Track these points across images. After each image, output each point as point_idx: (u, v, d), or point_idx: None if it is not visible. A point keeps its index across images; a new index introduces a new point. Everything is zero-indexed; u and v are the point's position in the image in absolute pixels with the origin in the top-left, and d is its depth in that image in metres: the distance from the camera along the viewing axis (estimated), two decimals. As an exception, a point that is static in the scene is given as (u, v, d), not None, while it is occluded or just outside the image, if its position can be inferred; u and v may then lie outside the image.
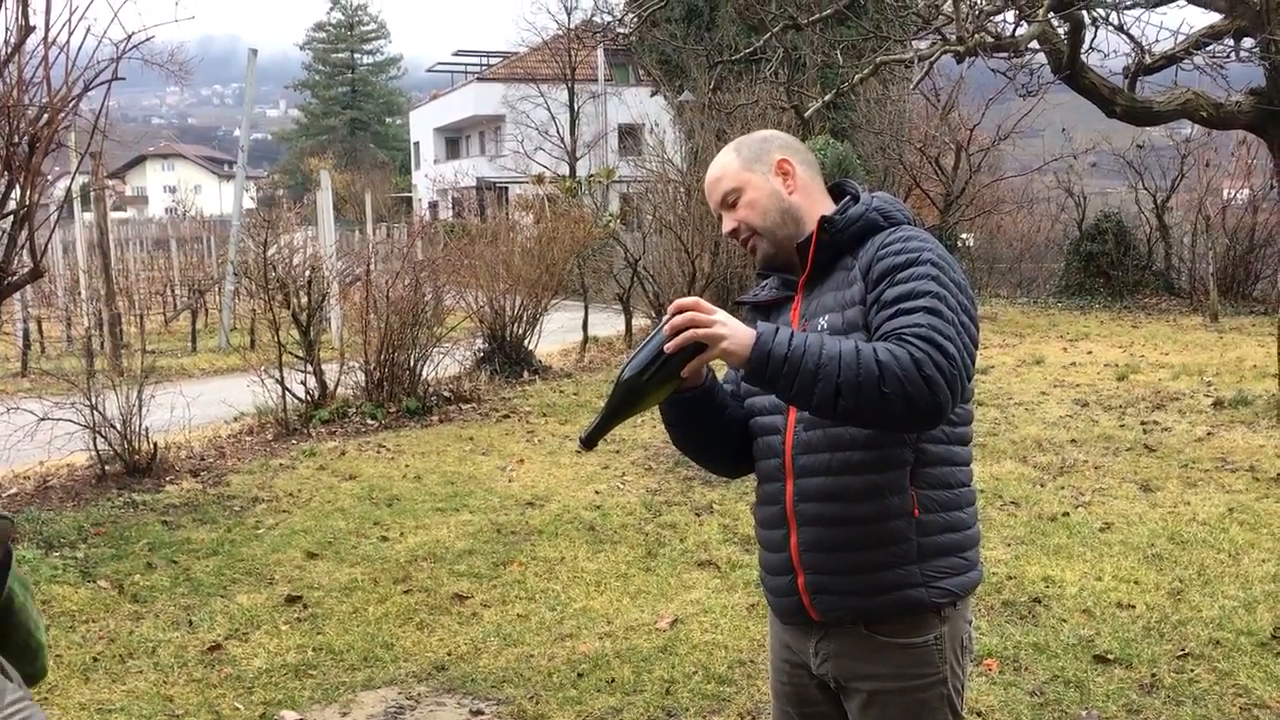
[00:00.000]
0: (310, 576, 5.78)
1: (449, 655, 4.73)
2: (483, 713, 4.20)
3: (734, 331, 1.92)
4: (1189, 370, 11.10)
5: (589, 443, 2.06)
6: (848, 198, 2.24)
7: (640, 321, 15.91)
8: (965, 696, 2.23)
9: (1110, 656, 4.40)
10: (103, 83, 6.90)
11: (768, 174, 2.22)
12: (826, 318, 2.12)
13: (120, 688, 4.47)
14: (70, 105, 6.74)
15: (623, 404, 2.00)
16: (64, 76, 6.66)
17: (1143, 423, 8.74)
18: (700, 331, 1.91)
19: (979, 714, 3.96)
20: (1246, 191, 17.81)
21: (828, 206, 2.23)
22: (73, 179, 9.60)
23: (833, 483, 2.10)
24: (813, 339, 1.93)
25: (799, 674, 2.28)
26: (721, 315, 1.93)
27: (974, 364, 2.03)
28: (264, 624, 5.13)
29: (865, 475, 2.08)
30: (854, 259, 2.13)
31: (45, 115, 6.51)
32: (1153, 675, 4.23)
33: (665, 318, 1.93)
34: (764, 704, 4.03)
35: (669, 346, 1.90)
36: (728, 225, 2.25)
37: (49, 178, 7.73)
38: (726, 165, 2.25)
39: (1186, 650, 4.44)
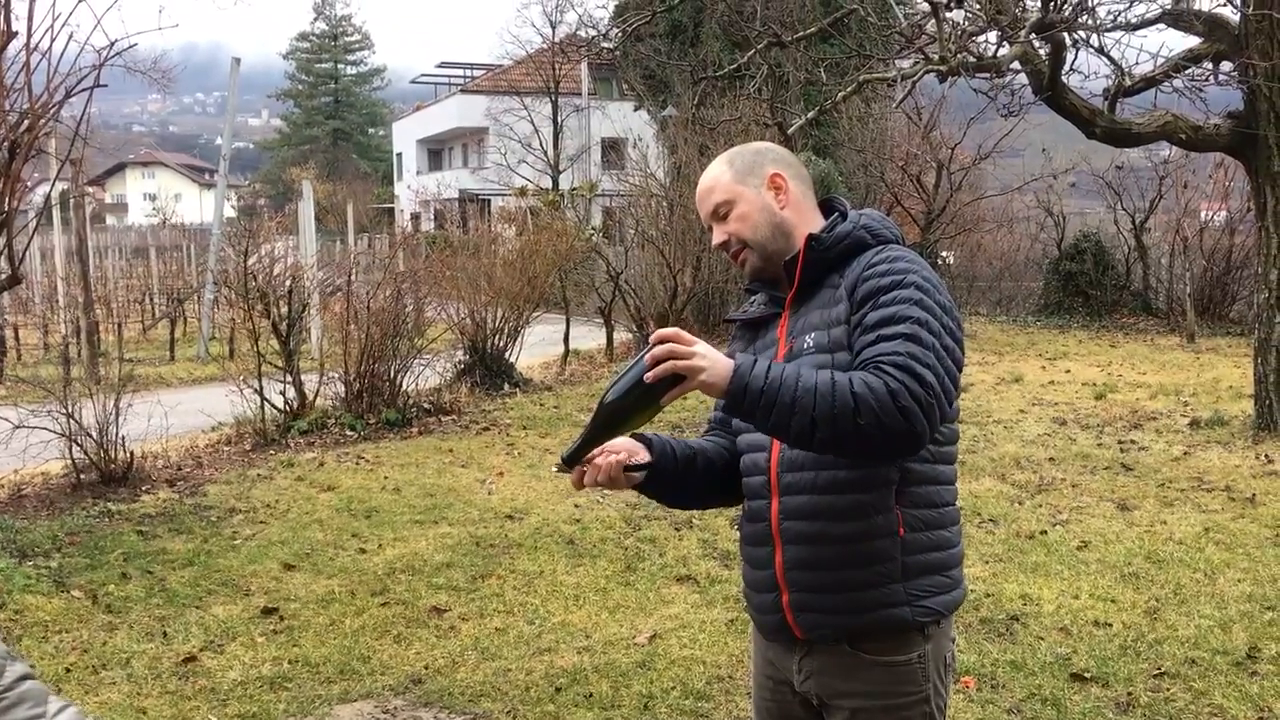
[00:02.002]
0: (287, 588, 5.74)
1: (426, 669, 4.71)
2: (459, 727, 4.18)
3: (713, 364, 1.93)
4: (1166, 390, 11.18)
5: (570, 462, 2.08)
6: (836, 215, 2.24)
7: (622, 335, 15.91)
8: (946, 714, 2.23)
9: (1087, 675, 4.41)
10: (84, 89, 6.87)
11: (760, 187, 2.22)
12: (812, 335, 2.12)
13: (93, 699, 4.43)
14: (51, 112, 6.71)
15: (604, 427, 2.02)
16: (45, 83, 6.63)
17: (1120, 442, 8.79)
18: (679, 363, 1.91)
19: (956, 731, 3.96)
20: (1224, 214, 17.99)
21: (818, 222, 2.23)
22: (52, 186, 9.55)
23: (818, 501, 2.10)
24: (789, 371, 1.94)
25: (782, 691, 2.27)
26: (701, 347, 1.94)
27: (957, 387, 2.03)
28: (239, 636, 5.09)
29: (850, 494, 2.08)
30: (840, 277, 2.13)
31: (26, 121, 6.48)
32: (1129, 694, 4.25)
33: (646, 347, 1.95)
34: (742, 719, 4.03)
35: (649, 376, 1.92)
36: (718, 237, 2.25)
37: (28, 184, 7.69)
38: (719, 177, 2.24)
39: (1162, 669, 4.46)
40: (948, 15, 9.10)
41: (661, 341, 1.93)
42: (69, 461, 7.72)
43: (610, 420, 2.00)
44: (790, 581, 2.15)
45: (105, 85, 7.21)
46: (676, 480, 2.25)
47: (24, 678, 1.88)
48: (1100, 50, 9.19)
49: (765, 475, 2.18)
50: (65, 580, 5.82)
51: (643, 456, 2.17)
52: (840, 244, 2.16)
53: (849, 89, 11.00)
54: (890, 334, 1.97)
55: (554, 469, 2.13)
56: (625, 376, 1.96)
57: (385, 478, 8.16)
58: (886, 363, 1.93)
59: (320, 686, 4.55)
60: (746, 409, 1.94)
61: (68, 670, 4.69)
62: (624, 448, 2.15)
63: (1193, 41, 9.41)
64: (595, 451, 2.09)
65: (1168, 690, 4.27)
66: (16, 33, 6.31)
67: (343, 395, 10.14)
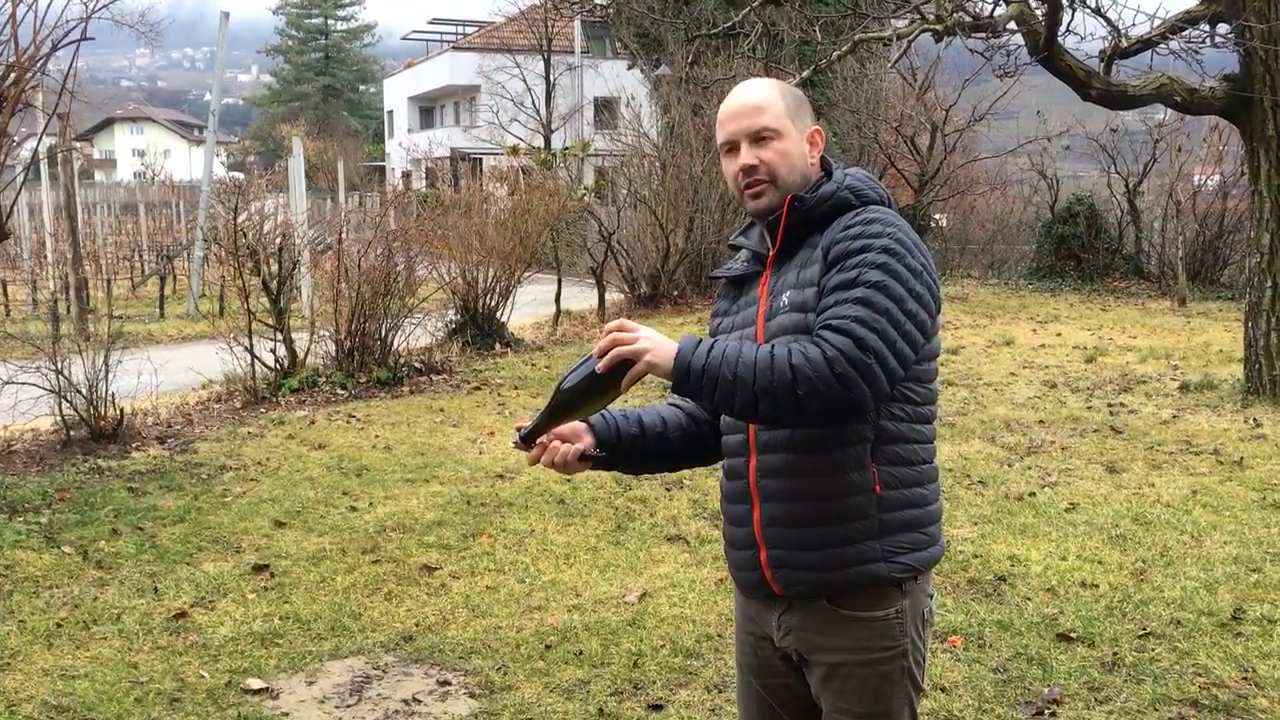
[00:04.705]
0: (278, 545, 5.75)
1: (417, 626, 4.73)
2: (450, 683, 4.21)
3: (656, 346, 2.01)
4: (1156, 354, 11.20)
5: (528, 440, 2.19)
6: (822, 175, 2.24)
7: (614, 296, 15.88)
8: (928, 670, 2.25)
9: (1073, 635, 4.45)
10: (71, 42, 6.80)
11: (803, 134, 2.21)
12: (788, 295, 2.14)
13: (84, 654, 4.45)
14: (38, 65, 6.64)
15: (561, 410, 2.13)
16: (32, 35, 6.56)
17: (1110, 405, 8.81)
18: (625, 349, 2.00)
19: (943, 689, 4.00)
20: (1217, 177, 17.93)
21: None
22: (40, 140, 9.46)
23: (794, 459, 2.12)
24: (731, 348, 1.99)
25: (763, 646, 2.30)
26: (646, 332, 2.02)
27: (916, 349, 2.04)
28: (230, 592, 5.11)
29: (826, 451, 2.09)
30: (820, 237, 2.14)
31: (12, 75, 6.41)
32: (1114, 654, 4.28)
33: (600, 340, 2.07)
34: (730, 677, 4.05)
35: (599, 367, 2.03)
36: (748, 159, 2.17)
37: (15, 139, 7.62)
38: (772, 101, 2.19)
39: (1148, 629, 4.49)
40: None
41: (609, 333, 2.04)
42: (59, 418, 7.71)
43: (566, 405, 2.11)
44: (768, 538, 2.17)
45: (92, 38, 7.13)
46: (625, 457, 2.33)
47: None
48: (1097, 11, 9.15)
49: (744, 434, 2.20)
50: (56, 536, 5.83)
51: (588, 441, 2.25)
52: (823, 205, 2.16)
53: (844, 48, 10.94)
54: (844, 298, 2.00)
55: (512, 444, 2.24)
56: (581, 366, 2.08)
57: (376, 436, 8.16)
58: (830, 328, 1.96)
59: (311, 643, 4.57)
60: (691, 389, 2.01)
61: (59, 625, 4.71)
62: (571, 434, 2.23)
63: (1190, 3, 9.35)
64: (551, 435, 2.19)
65: (1153, 650, 4.31)
66: (1, -16, 6.22)
67: (333, 354, 10.13)
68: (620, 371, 2.04)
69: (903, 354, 1.99)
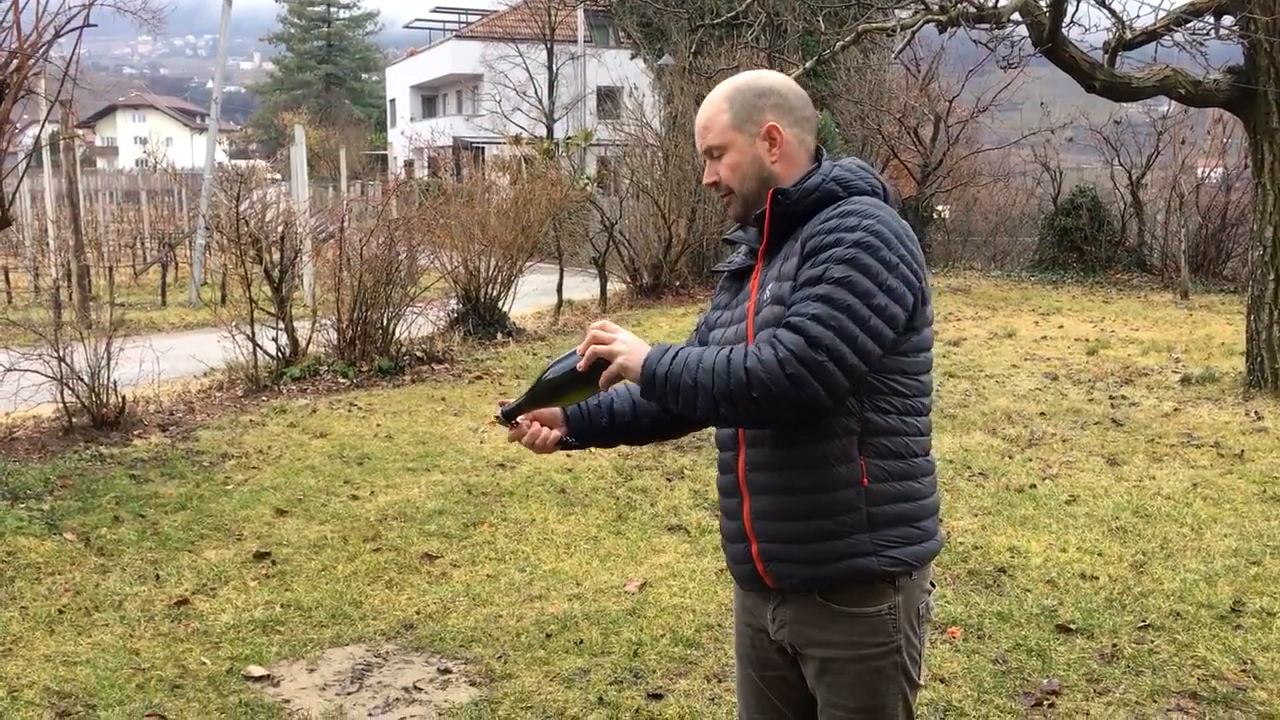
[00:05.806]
0: (279, 533, 5.76)
1: (417, 614, 4.74)
2: (450, 671, 4.22)
3: (630, 351, 2.09)
4: (1158, 346, 11.20)
5: (509, 417, 2.32)
6: (813, 166, 2.22)
7: (616, 286, 15.88)
8: (925, 663, 2.24)
9: (1072, 626, 4.46)
10: (74, 29, 6.79)
11: (754, 137, 2.19)
12: (770, 288, 2.14)
13: (86, 640, 4.46)
14: (40, 51, 6.63)
15: (543, 398, 2.27)
16: (34, 22, 6.55)
17: (1111, 397, 8.82)
18: (601, 349, 2.10)
19: (942, 680, 4.01)
20: (1220, 170, 17.91)
21: (806, 170, 2.22)
22: (42, 127, 9.46)
23: (780, 452, 2.12)
24: (693, 355, 2.04)
25: (760, 638, 2.30)
26: (624, 336, 2.12)
27: (884, 345, 2.01)
28: (232, 580, 5.12)
29: (811, 445, 2.09)
30: (803, 229, 2.12)
31: (14, 61, 6.40)
32: (1113, 645, 4.29)
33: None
34: (730, 667, 4.06)
35: (580, 365, 2.14)
36: (709, 176, 2.27)
37: (17, 125, 7.62)
38: (715, 116, 2.22)
39: (1147, 622, 4.50)
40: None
41: (591, 332, 2.14)
42: (60, 405, 7.72)
43: (548, 394, 2.25)
44: (758, 532, 2.18)
45: (95, 25, 7.13)
46: (594, 440, 2.44)
47: None
48: (1101, 2, 9.12)
49: (733, 428, 2.21)
50: (57, 523, 5.84)
51: (563, 430, 2.37)
52: (807, 198, 2.14)
53: (847, 39, 10.92)
54: (808, 294, 2.01)
55: (494, 417, 2.37)
56: (565, 359, 2.20)
57: (378, 425, 8.17)
58: (788, 325, 1.99)
59: (312, 630, 4.58)
60: (658, 395, 2.08)
61: (60, 612, 4.72)
62: (550, 419, 2.36)
63: (1195, -6, 9.32)
64: (530, 416, 2.33)
65: (1152, 642, 4.32)
66: (4, -30, 6.21)
67: (335, 342, 10.13)
68: (600, 369, 2.12)
69: (865, 349, 1.98)
